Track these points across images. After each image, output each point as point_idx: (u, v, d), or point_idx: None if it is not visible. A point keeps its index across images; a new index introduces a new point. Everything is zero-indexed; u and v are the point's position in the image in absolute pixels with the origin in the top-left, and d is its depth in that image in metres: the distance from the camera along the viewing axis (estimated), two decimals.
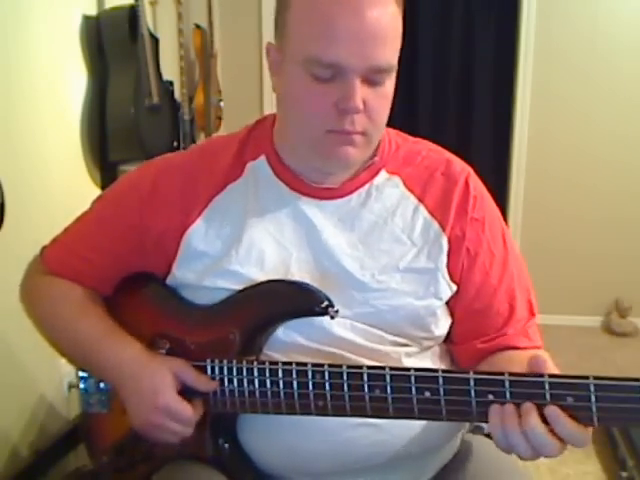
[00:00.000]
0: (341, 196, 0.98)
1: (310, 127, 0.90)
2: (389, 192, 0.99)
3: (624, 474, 2.10)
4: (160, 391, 0.91)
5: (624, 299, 3.53)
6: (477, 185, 1.03)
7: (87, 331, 1.00)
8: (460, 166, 1.03)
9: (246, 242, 0.96)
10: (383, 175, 1.00)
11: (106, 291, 1.07)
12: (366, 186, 0.99)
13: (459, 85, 3.68)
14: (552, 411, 0.75)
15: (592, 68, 3.39)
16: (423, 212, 0.98)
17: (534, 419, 0.76)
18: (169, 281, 1.01)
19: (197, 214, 0.98)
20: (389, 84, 0.90)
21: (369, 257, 0.96)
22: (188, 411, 0.91)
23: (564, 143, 3.49)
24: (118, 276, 1.06)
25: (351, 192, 0.99)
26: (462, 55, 3.63)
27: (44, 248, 1.09)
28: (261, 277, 0.95)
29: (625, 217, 3.52)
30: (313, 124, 0.89)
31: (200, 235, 0.98)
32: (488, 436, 1.16)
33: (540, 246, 3.46)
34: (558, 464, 2.28)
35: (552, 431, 0.76)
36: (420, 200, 0.99)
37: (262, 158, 1.00)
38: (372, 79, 0.87)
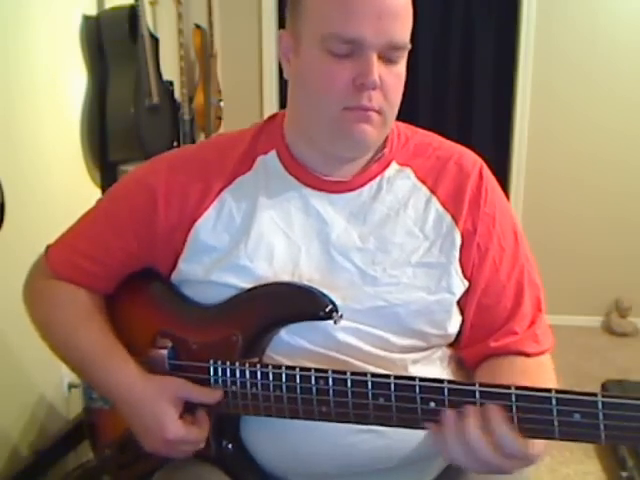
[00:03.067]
0: (352, 189, 0.98)
1: (327, 105, 0.90)
2: (400, 184, 0.98)
3: (624, 474, 2.10)
4: (167, 427, 0.91)
5: (624, 299, 3.53)
6: (489, 178, 1.02)
7: (84, 346, 1.00)
8: (472, 158, 1.03)
9: (255, 236, 0.96)
10: (394, 167, 0.99)
11: (110, 290, 1.06)
12: (377, 179, 0.99)
13: (459, 85, 3.68)
14: (490, 408, 0.76)
15: (592, 68, 3.39)
16: (435, 204, 0.98)
17: (471, 421, 0.76)
18: (175, 277, 1.00)
19: (205, 207, 0.97)
20: (402, 64, 0.91)
21: (381, 251, 0.95)
22: (197, 434, 0.93)
23: (564, 143, 3.50)
24: (124, 274, 1.05)
25: (362, 185, 0.98)
26: (462, 55, 3.62)
27: (48, 248, 1.08)
28: (270, 272, 0.94)
29: (625, 217, 3.52)
30: (330, 102, 0.89)
31: (208, 228, 0.97)
32: None
33: (540, 246, 3.42)
34: (558, 464, 2.28)
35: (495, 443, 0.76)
36: (432, 192, 0.98)
37: (273, 152, 1.00)
38: (388, 56, 0.88)
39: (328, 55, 0.87)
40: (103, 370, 0.97)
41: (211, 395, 0.93)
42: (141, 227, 1.00)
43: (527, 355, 0.97)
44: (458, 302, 0.98)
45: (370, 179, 0.99)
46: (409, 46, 0.90)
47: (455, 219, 0.97)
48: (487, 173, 1.02)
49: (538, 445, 0.80)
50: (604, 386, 2.50)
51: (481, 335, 0.99)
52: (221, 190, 0.98)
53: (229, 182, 0.98)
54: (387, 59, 0.88)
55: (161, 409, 0.92)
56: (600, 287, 3.57)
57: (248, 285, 0.94)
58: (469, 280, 0.97)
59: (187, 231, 0.97)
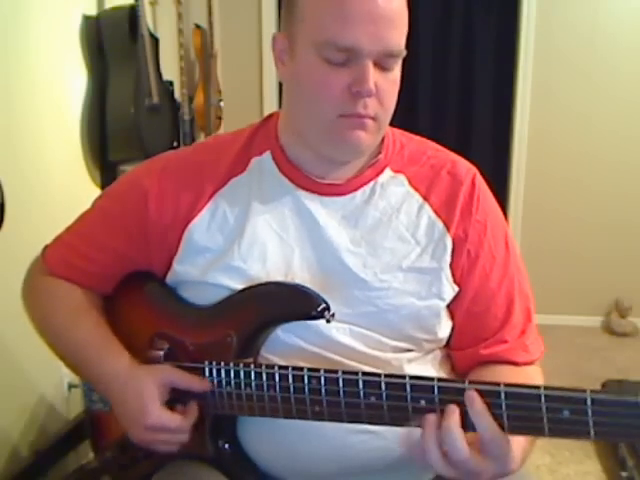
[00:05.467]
0: (345, 193, 0.98)
1: (322, 112, 0.90)
2: (394, 190, 0.99)
3: (624, 474, 2.09)
4: (146, 411, 0.91)
5: (624, 299, 3.53)
6: (482, 186, 1.02)
7: (79, 339, 1.00)
8: (466, 166, 1.03)
9: (248, 237, 0.96)
10: (388, 173, 1.00)
11: (106, 290, 1.07)
12: (370, 183, 0.99)
13: (459, 85, 3.68)
14: (470, 395, 0.77)
15: (592, 68, 3.39)
16: (428, 211, 0.98)
17: (453, 420, 0.76)
18: (169, 278, 1.01)
19: (199, 209, 0.98)
20: (397, 70, 0.91)
21: (372, 255, 0.95)
22: (177, 420, 0.92)
23: (564, 143, 3.50)
24: (120, 274, 1.05)
25: (355, 189, 0.98)
26: (462, 55, 3.63)
27: (46, 247, 1.09)
28: (263, 273, 0.94)
29: (625, 217, 3.52)
30: (325, 109, 0.89)
31: (202, 229, 0.97)
32: None
33: (540, 246, 3.46)
34: (558, 464, 2.28)
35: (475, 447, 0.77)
36: (425, 199, 0.98)
37: (267, 153, 1.00)
38: (383, 63, 0.88)
39: (324, 62, 0.87)
40: (95, 359, 0.98)
41: (200, 383, 0.93)
42: (133, 228, 1.00)
43: (516, 364, 0.98)
44: (448, 307, 0.99)
45: (364, 183, 0.99)
46: (404, 53, 0.90)
47: (447, 226, 0.97)
48: (480, 181, 1.02)
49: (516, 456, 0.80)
50: (604, 386, 2.50)
51: (470, 341, 1.00)
52: (215, 191, 0.98)
53: (223, 184, 0.99)
54: (382, 66, 0.88)
55: (144, 392, 0.92)
56: (600, 287, 3.57)
57: (241, 286, 0.94)
58: (459, 286, 0.98)
59: (181, 232, 0.97)
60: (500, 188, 3.48)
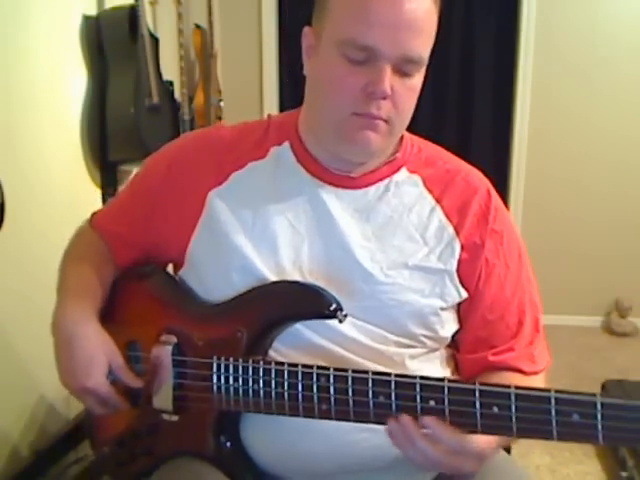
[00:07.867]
0: (360, 187, 1.00)
1: (336, 108, 0.92)
2: (408, 189, 1.00)
3: (624, 474, 2.09)
4: (92, 375, 0.95)
5: (624, 299, 3.53)
6: (497, 198, 1.04)
7: (72, 276, 1.05)
8: (480, 176, 1.06)
9: (261, 222, 0.98)
10: (404, 172, 1.01)
11: (126, 261, 1.10)
12: (385, 180, 1.00)
13: (459, 85, 3.68)
14: (426, 421, 0.80)
15: (592, 68, 3.40)
16: (439, 213, 0.99)
17: (414, 430, 0.80)
18: (185, 255, 1.02)
19: (216, 185, 1.00)
20: (418, 78, 0.93)
21: (380, 250, 0.97)
22: (114, 399, 0.97)
23: (564, 143, 3.50)
24: (144, 246, 1.08)
25: (370, 184, 1.00)
26: (462, 55, 3.63)
27: (94, 214, 1.16)
28: (272, 260, 0.96)
29: (625, 217, 3.52)
30: (339, 105, 0.91)
31: (216, 210, 0.99)
32: None
33: (540, 246, 3.45)
34: (558, 464, 2.28)
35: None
36: (438, 201, 1.00)
37: (286, 144, 1.02)
38: (402, 69, 0.89)
39: (344, 59, 0.89)
40: (72, 300, 1.01)
41: (132, 379, 0.98)
42: (157, 198, 1.04)
43: (523, 373, 0.99)
44: (459, 311, 1.00)
45: (379, 179, 1.00)
46: (426, 61, 0.91)
47: (457, 230, 0.99)
48: (494, 193, 1.05)
49: (483, 440, 0.83)
50: (604, 386, 2.50)
51: (481, 347, 1.01)
52: (232, 172, 1.01)
53: (242, 165, 1.01)
54: (402, 71, 0.90)
55: (97, 357, 0.96)
56: (600, 287, 3.58)
57: (250, 269, 0.95)
58: (472, 292, 0.99)
59: (198, 210, 1.00)
60: (500, 188, 3.45)
